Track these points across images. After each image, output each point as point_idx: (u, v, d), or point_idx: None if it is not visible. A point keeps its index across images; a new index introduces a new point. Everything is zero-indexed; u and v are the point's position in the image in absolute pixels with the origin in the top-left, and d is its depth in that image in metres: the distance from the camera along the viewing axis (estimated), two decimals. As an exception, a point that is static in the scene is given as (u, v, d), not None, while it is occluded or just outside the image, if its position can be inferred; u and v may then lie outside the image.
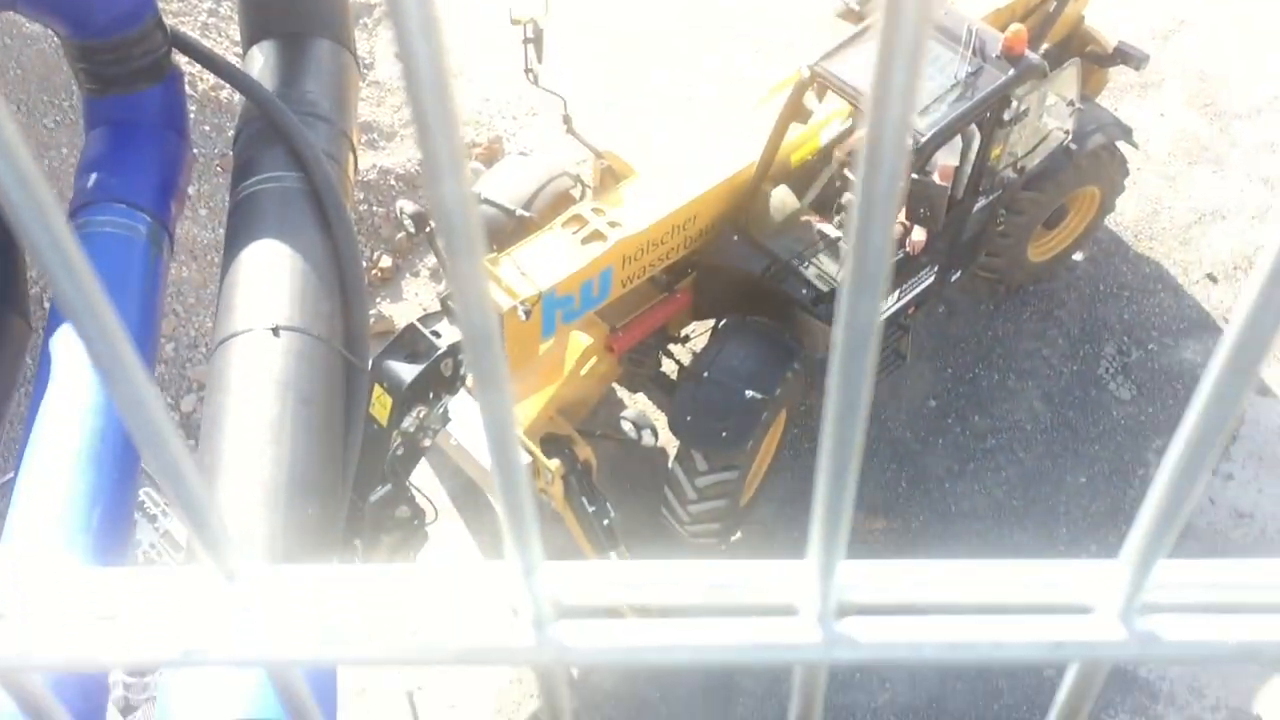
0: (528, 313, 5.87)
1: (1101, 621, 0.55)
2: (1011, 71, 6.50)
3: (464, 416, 6.46)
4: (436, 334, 5.62)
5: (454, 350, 5.57)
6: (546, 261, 6.15)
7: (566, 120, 7.11)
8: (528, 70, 6.82)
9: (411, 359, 5.50)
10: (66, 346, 4.01)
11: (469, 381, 6.18)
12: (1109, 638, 0.55)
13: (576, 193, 7.30)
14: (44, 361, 3.99)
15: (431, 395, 5.56)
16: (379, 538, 5.59)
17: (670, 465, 7.04)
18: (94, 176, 4.44)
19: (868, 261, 0.44)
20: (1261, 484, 7.52)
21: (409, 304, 8.35)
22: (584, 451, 6.57)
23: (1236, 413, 0.49)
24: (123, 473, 3.75)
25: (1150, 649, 0.54)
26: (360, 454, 5.26)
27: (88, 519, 3.52)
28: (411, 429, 5.55)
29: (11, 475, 3.78)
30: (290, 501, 3.52)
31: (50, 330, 4.12)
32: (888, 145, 0.43)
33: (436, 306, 8.03)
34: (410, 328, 5.67)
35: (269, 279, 4.33)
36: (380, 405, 5.40)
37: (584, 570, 0.56)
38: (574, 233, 6.31)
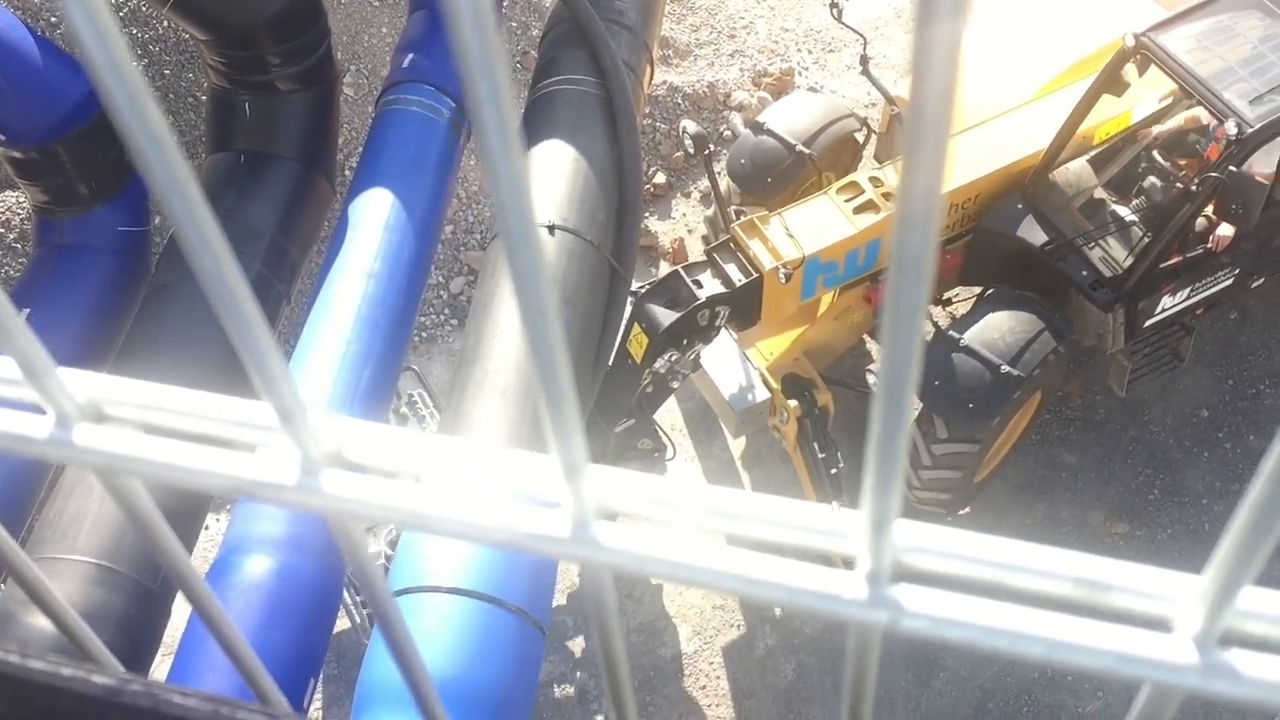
0: (788, 276, 5.83)
1: (1175, 644, 0.50)
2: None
3: (715, 355, 6.53)
4: (698, 284, 5.76)
5: (712, 302, 5.67)
6: (815, 226, 6.06)
7: (864, 60, 6.93)
8: (832, 5, 6.68)
9: (672, 305, 5.67)
10: (362, 213, 4.27)
11: (723, 333, 6.23)
12: (1180, 662, 0.49)
13: (861, 136, 7.14)
14: (341, 224, 4.28)
15: (685, 341, 5.72)
16: (619, 465, 5.80)
17: (910, 427, 6.87)
18: (409, 57, 4.67)
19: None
20: None
21: (675, 223, 8.43)
22: (824, 397, 6.51)
23: None
24: (395, 338, 3.99)
25: (1223, 685, 0.48)
26: (613, 386, 5.49)
27: (357, 377, 3.77)
28: (663, 370, 5.74)
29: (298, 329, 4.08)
30: (527, 396, 3.67)
31: (351, 196, 4.40)
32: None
33: (702, 229, 8.08)
34: (674, 274, 5.82)
35: (552, 178, 4.48)
36: (637, 344, 5.59)
37: (632, 480, 0.56)
38: (847, 200, 6.20)
